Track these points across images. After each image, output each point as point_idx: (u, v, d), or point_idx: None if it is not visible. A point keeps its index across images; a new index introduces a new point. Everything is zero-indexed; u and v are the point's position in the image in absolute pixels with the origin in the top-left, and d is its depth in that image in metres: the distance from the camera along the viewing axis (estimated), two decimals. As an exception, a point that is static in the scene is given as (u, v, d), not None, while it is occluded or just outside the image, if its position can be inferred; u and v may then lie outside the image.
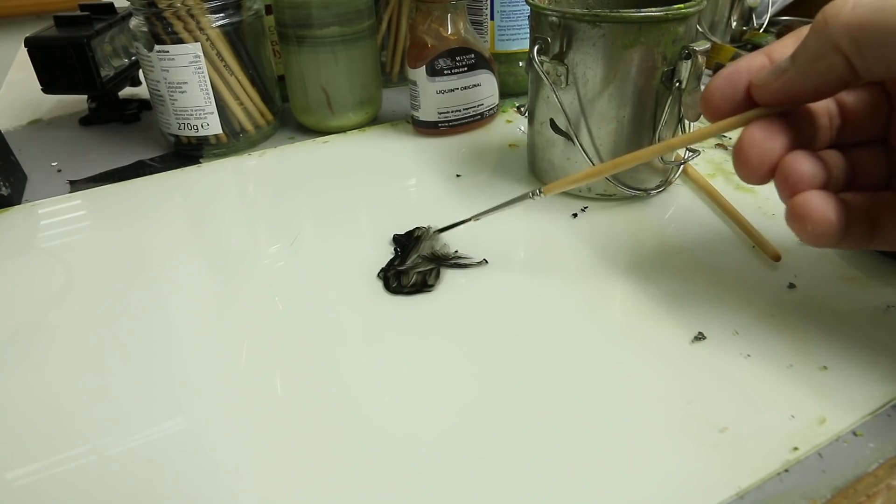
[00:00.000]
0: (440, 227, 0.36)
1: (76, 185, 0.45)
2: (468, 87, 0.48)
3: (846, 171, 0.24)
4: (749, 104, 0.24)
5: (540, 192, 0.31)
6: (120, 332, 0.30)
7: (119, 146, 0.51)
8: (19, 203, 0.43)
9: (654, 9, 0.33)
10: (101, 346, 0.29)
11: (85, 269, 0.35)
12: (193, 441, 0.24)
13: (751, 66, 0.24)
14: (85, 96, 0.57)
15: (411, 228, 0.36)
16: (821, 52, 0.21)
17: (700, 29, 0.43)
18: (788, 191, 0.22)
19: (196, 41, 0.43)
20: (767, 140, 0.23)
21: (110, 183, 0.45)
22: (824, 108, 0.24)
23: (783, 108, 0.23)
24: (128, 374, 0.28)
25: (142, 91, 0.59)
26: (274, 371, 0.27)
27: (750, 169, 0.23)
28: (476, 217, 0.34)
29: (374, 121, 0.53)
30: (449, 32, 0.46)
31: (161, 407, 0.26)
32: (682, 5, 0.33)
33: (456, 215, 0.36)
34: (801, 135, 0.23)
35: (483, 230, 0.36)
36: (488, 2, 0.52)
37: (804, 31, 0.22)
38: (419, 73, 0.46)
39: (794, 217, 0.22)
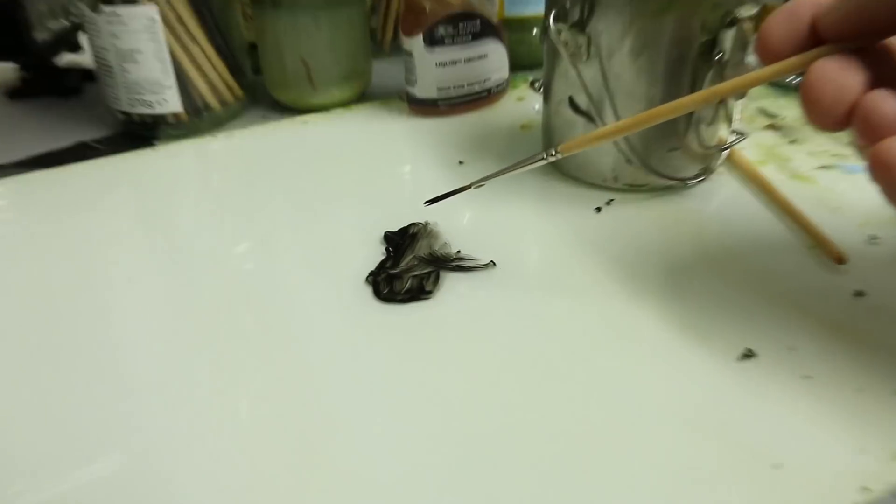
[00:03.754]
0: (430, 198, 0.34)
1: (2, 171, 0.45)
2: (473, 59, 0.48)
3: None
4: (813, 43, 0.23)
5: (556, 151, 0.31)
6: (49, 349, 0.30)
7: (56, 124, 0.51)
8: (-62, 191, 0.42)
9: (694, -34, 0.33)
10: (25, 365, 0.29)
11: (9, 270, 0.35)
12: (135, 483, 0.24)
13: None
14: (14, 64, 0.56)
15: (406, 225, 0.36)
16: None
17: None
18: (872, 135, 0.21)
19: (152, 2, 0.43)
20: (843, 74, 0.22)
21: (44, 168, 0.45)
22: None
23: (855, 43, 0.23)
24: (58, 400, 0.27)
25: (84, 59, 0.59)
26: (240, 394, 0.27)
27: (824, 108, 0.22)
28: (476, 184, 0.33)
29: (363, 97, 0.53)
30: (450, -6, 0.46)
31: (97, 442, 0.25)
32: (727, -38, 0.33)
33: (458, 209, 0.36)
34: (879, 79, 0.22)
35: (491, 226, 0.36)
36: (497, -42, 0.52)
37: None
38: (415, 43, 0.47)
39: (881, 167, 0.21)
